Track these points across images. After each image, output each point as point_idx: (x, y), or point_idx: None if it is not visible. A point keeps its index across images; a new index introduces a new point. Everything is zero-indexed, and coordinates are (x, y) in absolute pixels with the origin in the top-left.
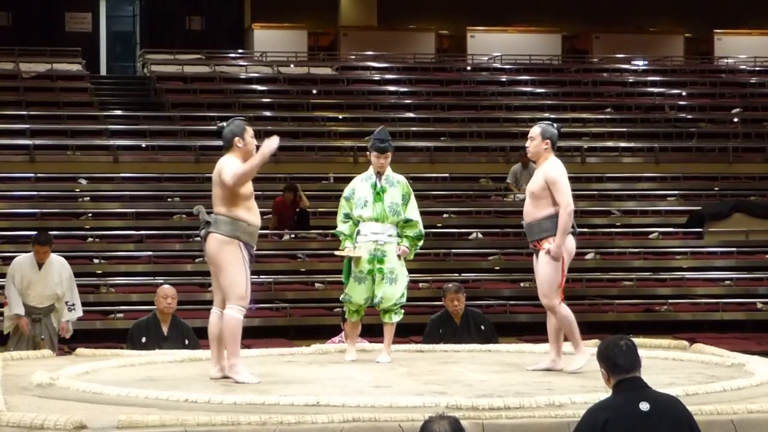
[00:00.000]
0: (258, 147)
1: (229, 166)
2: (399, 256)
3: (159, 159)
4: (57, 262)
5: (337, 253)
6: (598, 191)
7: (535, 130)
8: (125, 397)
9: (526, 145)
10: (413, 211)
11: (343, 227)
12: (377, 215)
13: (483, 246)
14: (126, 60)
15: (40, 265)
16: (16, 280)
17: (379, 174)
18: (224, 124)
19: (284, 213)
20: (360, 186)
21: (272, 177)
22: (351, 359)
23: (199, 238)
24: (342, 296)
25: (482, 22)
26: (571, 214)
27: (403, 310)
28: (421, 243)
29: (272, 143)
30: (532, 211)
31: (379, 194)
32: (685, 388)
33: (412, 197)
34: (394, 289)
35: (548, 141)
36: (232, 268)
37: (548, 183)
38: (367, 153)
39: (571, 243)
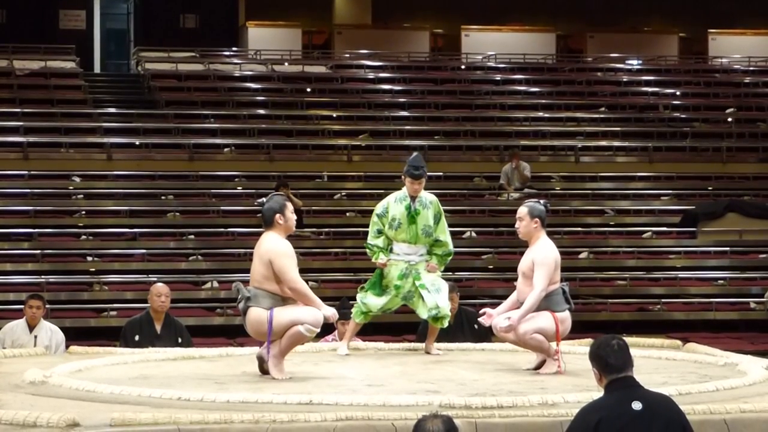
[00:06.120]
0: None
1: (282, 253)
2: (428, 272)
3: (153, 157)
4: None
5: (375, 260)
6: (592, 190)
7: (522, 210)
8: (118, 395)
9: (516, 226)
10: (443, 232)
11: (377, 241)
12: (410, 237)
13: (477, 245)
14: (120, 57)
15: (31, 328)
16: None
17: (412, 197)
18: (264, 200)
19: None
20: (394, 206)
21: (265, 175)
22: (344, 353)
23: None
24: (359, 296)
25: (477, 21)
26: (541, 297)
27: None
28: (449, 259)
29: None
30: (524, 290)
31: (413, 217)
32: (678, 388)
33: (443, 217)
34: (444, 297)
35: (537, 220)
36: (287, 312)
37: (535, 264)
38: (402, 177)
39: (567, 320)
